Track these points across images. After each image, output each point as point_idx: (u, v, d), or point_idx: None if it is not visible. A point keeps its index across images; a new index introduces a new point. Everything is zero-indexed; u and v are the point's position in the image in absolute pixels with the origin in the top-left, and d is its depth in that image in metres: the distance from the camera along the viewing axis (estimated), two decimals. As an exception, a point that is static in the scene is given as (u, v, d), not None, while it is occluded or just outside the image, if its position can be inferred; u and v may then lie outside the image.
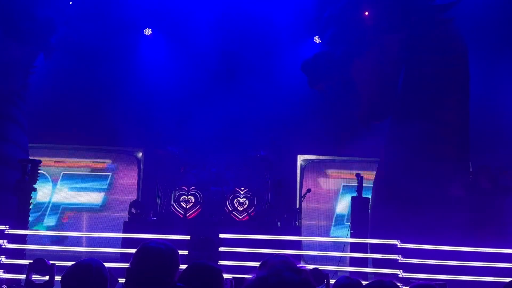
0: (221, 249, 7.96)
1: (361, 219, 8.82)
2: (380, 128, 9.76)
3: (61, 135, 11.43)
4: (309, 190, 10.68)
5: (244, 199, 10.27)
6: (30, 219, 8.66)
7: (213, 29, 11.39)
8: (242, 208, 10.21)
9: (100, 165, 12.15)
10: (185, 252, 7.60)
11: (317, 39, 11.47)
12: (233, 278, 4.22)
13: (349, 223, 9.41)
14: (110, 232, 10.34)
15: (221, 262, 7.44)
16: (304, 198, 10.75)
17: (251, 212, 10.17)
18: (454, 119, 9.23)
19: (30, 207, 8.46)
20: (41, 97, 10.73)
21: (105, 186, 12.05)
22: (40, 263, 5.73)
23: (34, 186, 8.40)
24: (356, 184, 9.41)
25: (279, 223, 9.72)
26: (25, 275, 5.85)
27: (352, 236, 8.78)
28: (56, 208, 11.85)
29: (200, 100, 11.34)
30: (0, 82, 9.63)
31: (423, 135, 8.99)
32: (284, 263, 1.50)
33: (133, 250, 2.84)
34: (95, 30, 10.82)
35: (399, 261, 7.68)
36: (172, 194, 10.51)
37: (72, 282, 2.71)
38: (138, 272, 2.64)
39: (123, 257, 8.34)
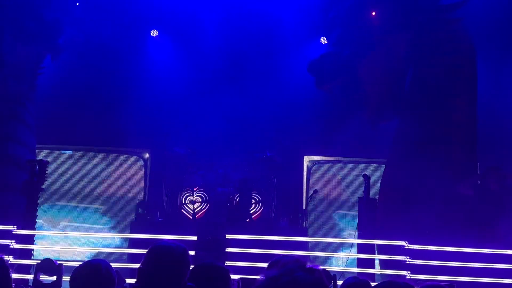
0: (228, 249, 7.95)
1: (368, 220, 8.78)
2: (387, 128, 9.72)
3: (67, 136, 11.47)
4: (315, 191, 10.66)
5: (252, 199, 10.25)
6: (37, 219, 8.70)
7: (219, 30, 11.40)
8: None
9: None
10: (192, 253, 7.61)
11: (323, 40, 11.45)
12: (240, 278, 4.21)
13: (356, 224, 9.37)
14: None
15: (228, 263, 7.43)
16: (310, 199, 10.73)
17: (258, 213, 10.16)
18: (462, 119, 9.17)
19: (38, 207, 8.49)
20: (48, 98, 10.78)
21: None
22: (48, 263, 5.74)
23: (42, 186, 8.43)
24: (363, 185, 9.36)
25: (281, 219, 9.71)
26: (32, 275, 5.86)
27: (359, 237, 8.74)
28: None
29: (206, 101, 11.34)
30: (8, 83, 9.69)
31: (430, 135, 8.94)
32: (296, 262, 1.48)
33: (139, 251, 2.84)
34: (101, 31, 10.86)
35: (407, 262, 7.63)
36: (179, 196, 10.52)
37: (81, 281, 2.72)
38: (150, 272, 2.64)
39: (130, 258, 8.36)
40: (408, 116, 9.40)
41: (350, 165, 12.14)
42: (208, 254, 7.49)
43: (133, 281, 4.52)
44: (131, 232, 9.23)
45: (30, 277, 6.80)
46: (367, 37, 9.18)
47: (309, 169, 12.09)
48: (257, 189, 10.57)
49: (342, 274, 7.78)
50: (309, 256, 9.30)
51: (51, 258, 5.83)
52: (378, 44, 9.16)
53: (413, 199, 8.63)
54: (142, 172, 11.98)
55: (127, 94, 11.13)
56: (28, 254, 7.98)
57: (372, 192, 9.26)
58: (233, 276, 3.25)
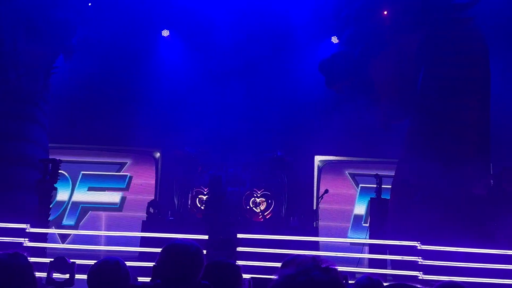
0: (239, 249, 7.96)
1: (380, 220, 8.73)
2: (399, 128, 9.66)
3: (80, 135, 11.56)
4: (326, 191, 10.62)
5: (263, 199, 10.26)
6: (50, 218, 8.78)
7: (230, 30, 11.42)
8: (259, 210, 10.21)
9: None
10: (204, 252, 7.61)
11: (334, 39, 11.42)
12: (251, 278, 4.23)
13: (367, 225, 9.34)
14: (129, 232, 10.43)
15: (239, 262, 7.44)
16: (321, 199, 10.70)
17: (269, 213, 10.17)
18: (474, 119, 9.09)
19: (51, 206, 8.57)
20: (61, 98, 10.87)
21: (123, 186, 12.16)
22: (61, 261, 5.80)
23: (55, 185, 8.51)
24: (375, 185, 9.33)
25: (291, 219, 9.70)
26: (46, 273, 5.92)
27: (370, 238, 8.70)
28: (75, 207, 11.99)
29: (217, 101, 11.37)
30: (21, 83, 9.78)
31: (442, 135, 8.87)
32: (313, 261, 1.48)
33: (151, 249, 2.87)
34: (113, 31, 10.94)
35: (419, 263, 7.59)
36: (190, 195, 10.55)
37: (99, 277, 2.75)
38: (165, 270, 2.66)
39: (141, 256, 8.40)
40: (420, 115, 9.33)
41: (361, 165, 12.10)
42: (219, 253, 7.50)
43: (144, 279, 4.55)
44: (142, 231, 9.27)
45: (43, 275, 6.86)
46: (379, 36, 9.13)
47: (319, 168, 12.07)
48: (267, 188, 10.56)
49: (353, 274, 7.75)
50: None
51: (64, 256, 5.88)
52: (390, 43, 9.10)
53: (425, 199, 8.57)
54: (153, 171, 12.04)
55: (139, 93, 11.20)
56: (41, 252, 8.06)
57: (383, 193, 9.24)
58: (244, 276, 3.26)
